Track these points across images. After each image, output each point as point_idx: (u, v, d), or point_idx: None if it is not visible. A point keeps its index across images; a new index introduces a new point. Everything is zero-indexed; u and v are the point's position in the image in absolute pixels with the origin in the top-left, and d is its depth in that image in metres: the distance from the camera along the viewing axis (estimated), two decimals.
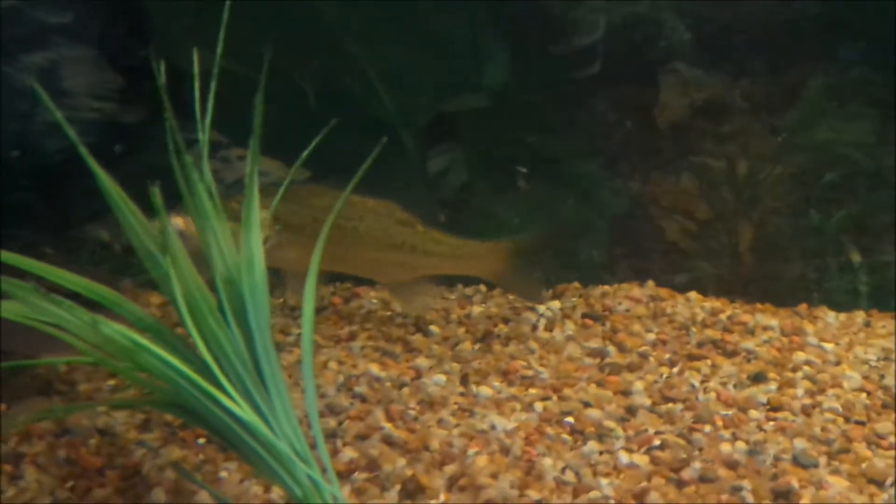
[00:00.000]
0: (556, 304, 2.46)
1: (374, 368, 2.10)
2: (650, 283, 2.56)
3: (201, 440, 1.82)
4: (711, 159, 2.58)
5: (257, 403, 1.51)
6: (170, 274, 1.49)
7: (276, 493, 1.68)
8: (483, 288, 2.60)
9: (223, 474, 1.73)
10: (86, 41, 2.70)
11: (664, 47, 2.58)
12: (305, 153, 1.85)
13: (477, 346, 2.26)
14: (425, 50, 2.59)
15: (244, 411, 1.47)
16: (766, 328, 2.33)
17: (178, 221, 2.04)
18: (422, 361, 2.16)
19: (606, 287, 2.55)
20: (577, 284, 2.58)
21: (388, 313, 2.45)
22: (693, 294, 2.52)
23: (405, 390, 2.02)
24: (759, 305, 2.50)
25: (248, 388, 1.51)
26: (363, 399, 1.98)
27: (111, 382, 2.06)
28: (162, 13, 2.69)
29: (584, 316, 2.40)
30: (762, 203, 2.58)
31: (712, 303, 2.49)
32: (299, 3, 2.65)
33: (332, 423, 1.88)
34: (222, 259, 1.57)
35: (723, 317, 2.39)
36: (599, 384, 2.08)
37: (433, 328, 2.35)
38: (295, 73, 2.67)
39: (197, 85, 1.72)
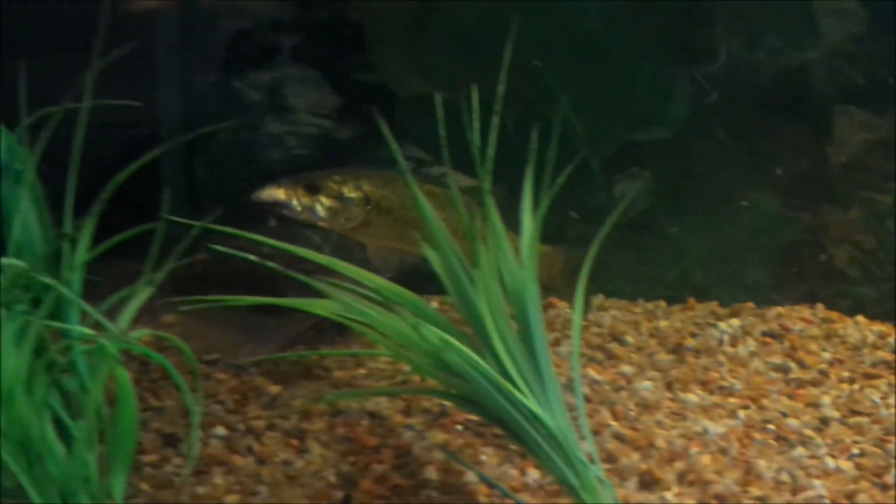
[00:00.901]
0: (735, 322, 2.70)
1: (592, 372, 2.36)
2: (819, 306, 2.80)
3: (459, 426, 2.09)
4: (879, 194, 2.80)
5: (540, 400, 1.77)
6: (477, 285, 1.75)
7: (531, 476, 1.94)
8: (663, 304, 2.85)
9: (483, 457, 2.00)
10: (308, 62, 3.00)
11: (838, 90, 2.81)
12: (557, 184, 2.08)
13: (671, 357, 2.51)
14: (615, 82, 2.84)
15: (535, 406, 1.73)
16: None
17: (279, 192, 2.29)
18: (626, 368, 2.42)
19: (780, 308, 2.78)
20: (750, 304, 2.82)
21: (583, 323, 2.70)
22: (860, 318, 2.76)
23: (622, 393, 2.27)
24: None
25: (532, 386, 1.77)
26: (587, 399, 2.23)
27: (362, 371, 2.34)
28: (378, 38, 2.96)
29: (763, 334, 2.63)
30: None
31: (878, 326, 2.72)
32: (500, 35, 2.92)
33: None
34: (510, 273, 1.83)
35: (890, 340, 2.62)
36: (790, 397, 2.32)
37: (628, 338, 2.60)
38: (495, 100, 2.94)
39: (474, 122, 1.96)
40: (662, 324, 2.71)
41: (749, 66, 2.77)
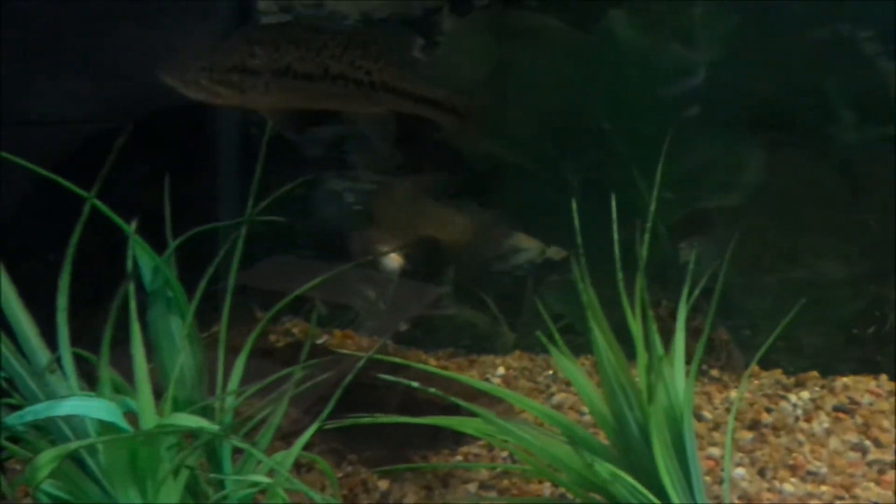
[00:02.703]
0: (804, 395, 2.74)
1: None
2: (883, 376, 2.84)
3: None
4: None
5: None
6: (651, 421, 1.74)
7: None
8: (718, 374, 2.88)
9: None
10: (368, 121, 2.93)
11: None
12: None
13: (751, 435, 2.53)
14: (686, 150, 2.84)
15: None
16: None
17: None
18: (713, 451, 2.43)
19: (845, 379, 2.82)
20: (814, 373, 2.85)
21: None
22: None
23: (724, 486, 2.28)
24: None
25: None
26: None
27: (459, 458, 2.31)
28: None
29: (834, 409, 2.67)
30: None
31: None
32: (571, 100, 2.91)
33: None
34: (668, 397, 1.82)
35: None
36: (877, 483, 2.36)
37: (705, 413, 2.62)
38: (563, 163, 2.93)
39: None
40: (733, 394, 2.73)
41: (824, 138, 2.78)
